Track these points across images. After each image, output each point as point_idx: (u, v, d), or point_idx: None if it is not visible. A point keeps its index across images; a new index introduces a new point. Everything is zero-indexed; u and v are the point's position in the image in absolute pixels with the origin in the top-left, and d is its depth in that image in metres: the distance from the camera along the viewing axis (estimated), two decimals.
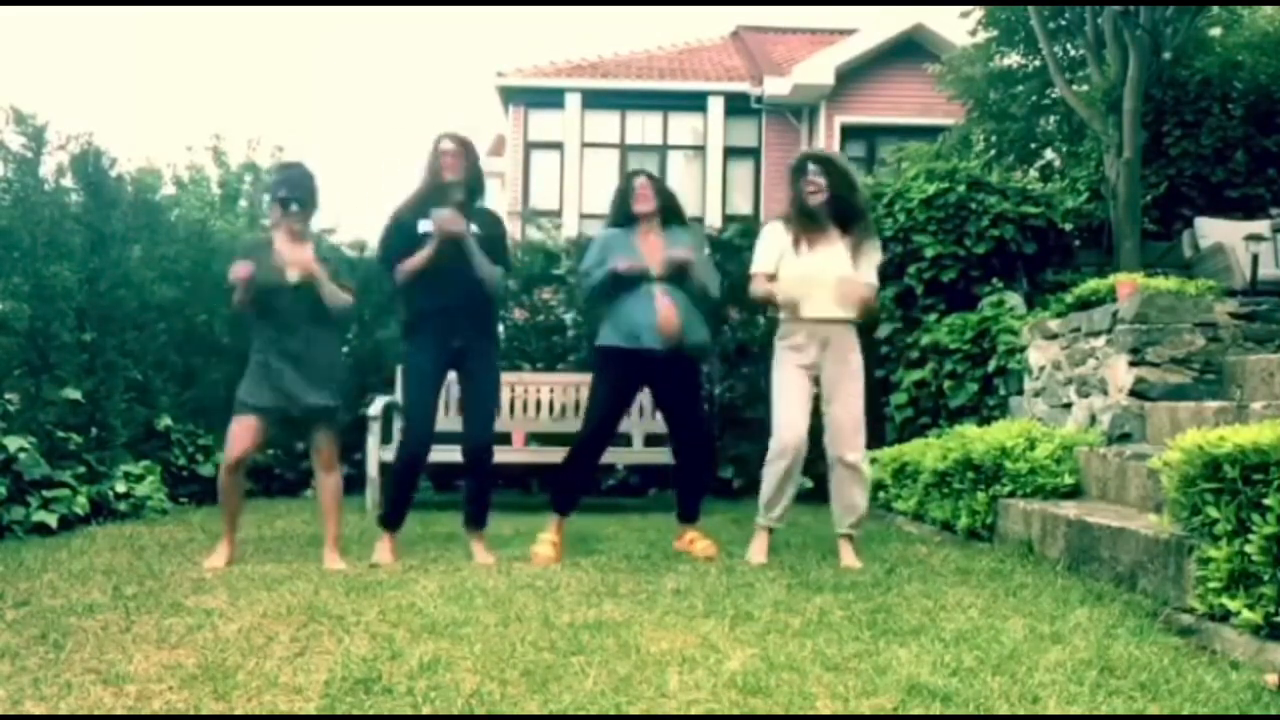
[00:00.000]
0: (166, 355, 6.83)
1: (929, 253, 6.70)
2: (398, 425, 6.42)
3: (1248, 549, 2.55)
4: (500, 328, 7.95)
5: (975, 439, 4.77)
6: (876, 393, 7.16)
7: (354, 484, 7.36)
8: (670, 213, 4.42)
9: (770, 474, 4.17)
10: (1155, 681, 2.31)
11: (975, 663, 2.45)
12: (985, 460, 4.58)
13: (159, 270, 6.81)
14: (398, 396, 6.15)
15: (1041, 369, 5.59)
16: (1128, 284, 5.25)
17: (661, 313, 4.19)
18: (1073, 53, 8.95)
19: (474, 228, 4.15)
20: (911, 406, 6.67)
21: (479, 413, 4.23)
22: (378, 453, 6.24)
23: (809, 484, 6.64)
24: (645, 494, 7.39)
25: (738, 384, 7.50)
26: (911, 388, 6.63)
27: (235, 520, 4.13)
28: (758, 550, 4.16)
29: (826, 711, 2.11)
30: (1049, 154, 9.68)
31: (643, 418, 6.65)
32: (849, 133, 13.63)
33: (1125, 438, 4.56)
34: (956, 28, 10.34)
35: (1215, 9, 8.58)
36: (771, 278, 4.21)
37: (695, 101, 13.88)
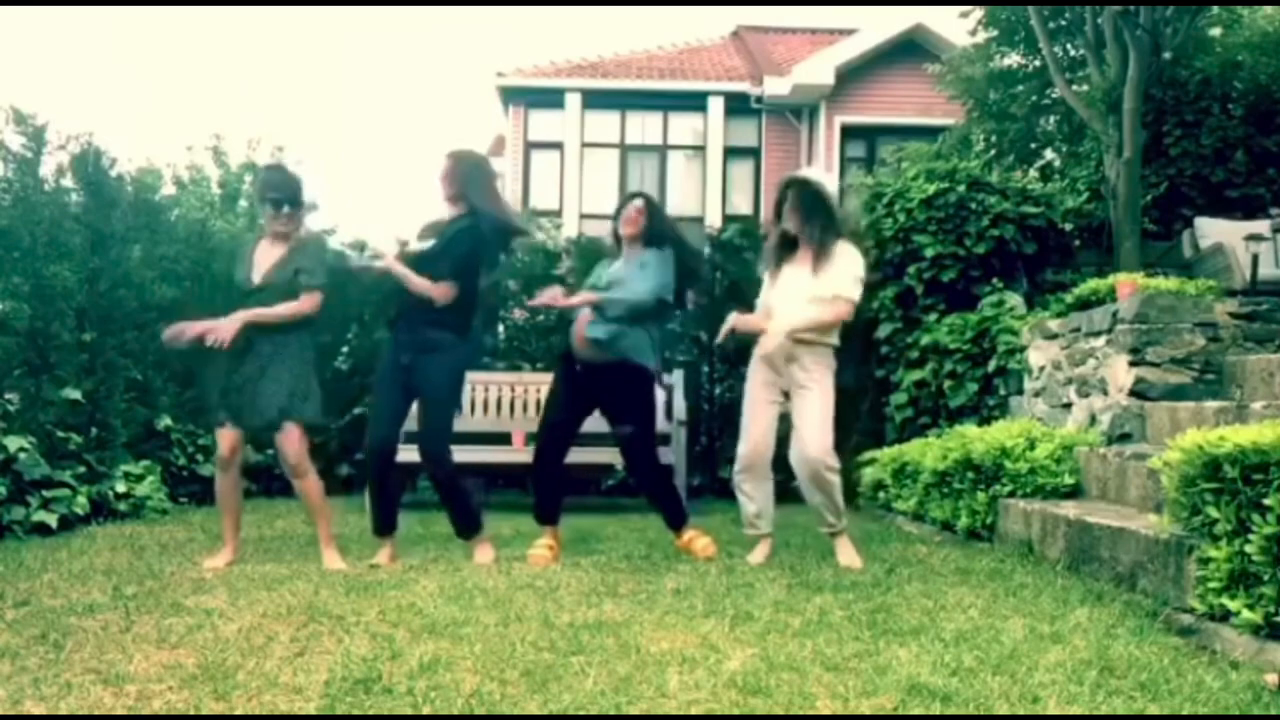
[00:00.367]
0: (166, 355, 6.82)
1: (929, 253, 6.70)
2: None
3: (1248, 549, 2.55)
4: (500, 328, 7.98)
5: (975, 439, 4.77)
6: (876, 393, 7.17)
7: (354, 484, 7.39)
8: (653, 234, 4.38)
9: (739, 489, 4.28)
10: (1155, 681, 2.31)
11: (975, 663, 2.45)
12: (985, 460, 4.58)
13: (159, 270, 6.81)
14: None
15: (1041, 369, 5.59)
16: (1128, 284, 5.25)
17: (577, 327, 4.30)
18: (1073, 53, 8.94)
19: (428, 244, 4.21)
20: (911, 406, 6.68)
21: (423, 429, 4.17)
22: None
23: None
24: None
25: (737, 384, 7.49)
26: (911, 388, 6.63)
27: (236, 520, 4.13)
28: (758, 552, 4.18)
29: (826, 711, 2.11)
30: (1049, 154, 9.67)
31: None
32: (849, 133, 13.62)
33: (1125, 438, 4.56)
34: (956, 28, 10.34)
35: (1215, 9, 8.58)
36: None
37: (695, 101, 13.88)
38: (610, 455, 6.56)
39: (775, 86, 13.37)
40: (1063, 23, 8.55)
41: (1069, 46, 8.91)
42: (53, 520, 4.84)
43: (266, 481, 7.17)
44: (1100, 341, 4.90)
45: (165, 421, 6.49)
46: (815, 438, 4.08)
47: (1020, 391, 5.91)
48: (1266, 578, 2.50)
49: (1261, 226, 7.06)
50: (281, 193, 4.10)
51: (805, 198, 4.20)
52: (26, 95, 43.13)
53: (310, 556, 4.15)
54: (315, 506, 4.11)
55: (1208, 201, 8.17)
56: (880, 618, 2.95)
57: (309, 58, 47.91)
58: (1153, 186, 8.18)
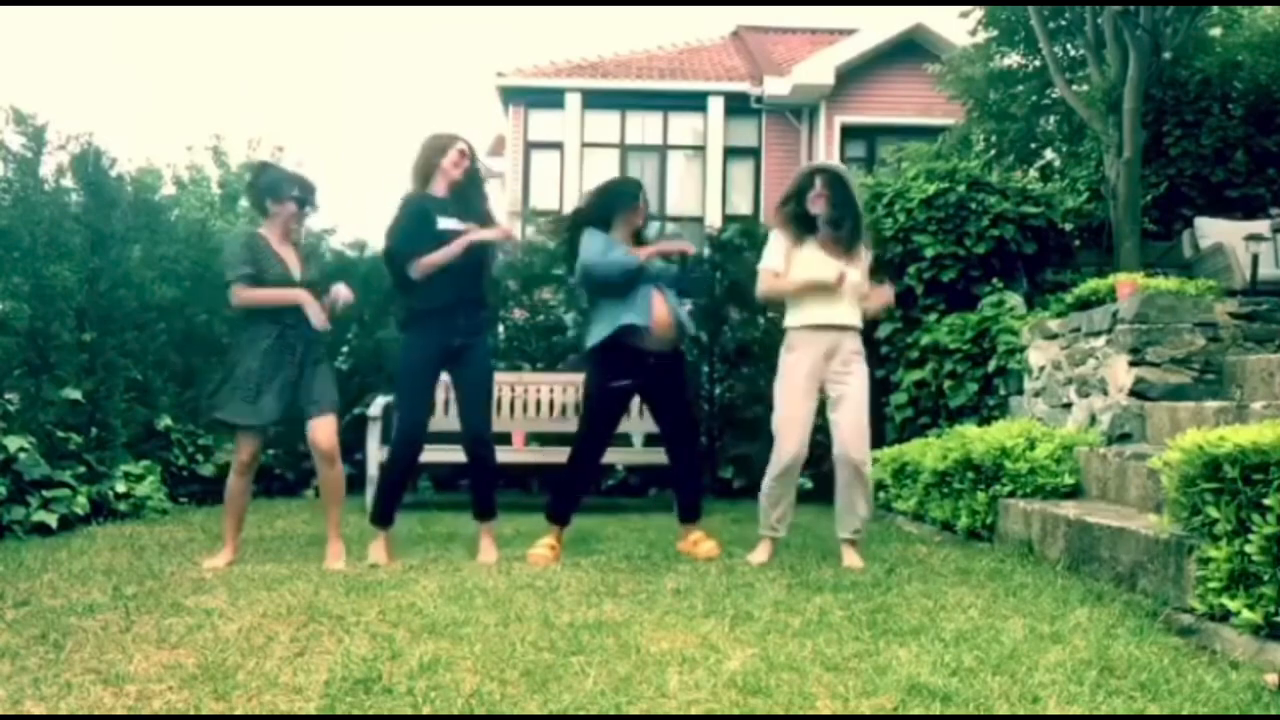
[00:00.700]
0: (166, 355, 6.83)
1: (929, 253, 6.70)
2: None
3: (1248, 549, 2.55)
4: (500, 328, 7.97)
5: (975, 439, 4.77)
6: (876, 393, 7.17)
7: (354, 484, 7.38)
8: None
9: (771, 487, 4.21)
10: (1155, 681, 2.31)
11: (975, 663, 2.45)
12: (985, 460, 4.58)
13: (159, 270, 6.82)
14: (395, 395, 6.15)
15: (1041, 369, 5.59)
16: (1128, 284, 5.25)
17: (658, 311, 4.22)
18: (1073, 53, 8.94)
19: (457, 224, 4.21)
20: (911, 406, 6.68)
21: (477, 407, 4.25)
22: (378, 453, 6.24)
23: (808, 484, 6.66)
24: (645, 494, 7.40)
25: (737, 384, 7.50)
26: (911, 388, 6.63)
27: (239, 522, 4.14)
28: (762, 553, 4.17)
29: (826, 711, 2.11)
30: (1049, 154, 9.67)
31: (643, 418, 6.63)
32: (849, 133, 13.63)
33: (1125, 438, 4.56)
34: (956, 28, 10.34)
35: (1215, 9, 8.58)
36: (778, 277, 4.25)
37: (695, 101, 13.87)
38: (611, 455, 6.59)
39: (775, 86, 13.38)
40: (1063, 23, 8.55)
41: (1069, 46, 8.91)
42: (53, 520, 4.84)
43: (267, 481, 7.17)
44: (1100, 341, 4.90)
45: (165, 421, 6.49)
46: (861, 440, 4.12)
47: (1020, 391, 5.91)
48: (1266, 578, 2.50)
49: (1261, 226, 7.06)
50: (307, 193, 4.16)
51: (839, 189, 4.20)
52: (26, 95, 43.14)
53: (310, 556, 4.15)
54: (336, 496, 4.14)
55: (1208, 201, 8.17)
56: (880, 618, 2.95)
57: (309, 58, 47.90)
58: (1153, 186, 8.18)
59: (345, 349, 7.91)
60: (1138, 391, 4.57)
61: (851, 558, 4.06)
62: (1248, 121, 8.27)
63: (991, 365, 6.16)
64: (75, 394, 5.50)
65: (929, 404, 6.58)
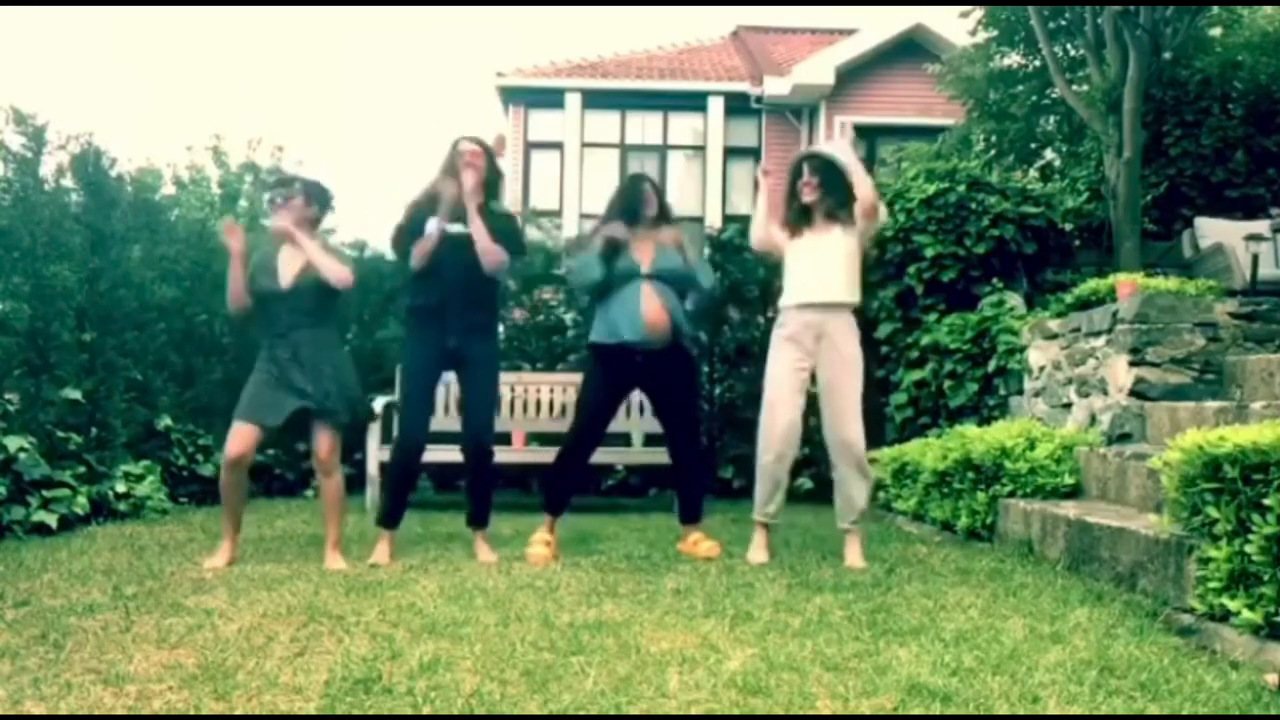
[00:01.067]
0: (166, 355, 6.83)
1: (929, 253, 6.70)
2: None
3: (1248, 549, 2.55)
4: (500, 327, 7.97)
5: (975, 439, 4.77)
6: (876, 393, 7.17)
7: (354, 484, 7.38)
8: (662, 217, 4.47)
9: (761, 468, 4.20)
10: (1155, 681, 2.31)
11: (975, 663, 2.45)
12: (985, 460, 4.58)
13: (159, 270, 6.81)
14: (398, 396, 6.15)
15: (1041, 369, 5.59)
16: (1128, 284, 5.25)
17: (648, 309, 4.20)
18: (1073, 53, 8.93)
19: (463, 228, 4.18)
20: (911, 406, 6.68)
21: (477, 412, 4.23)
22: (378, 453, 6.24)
23: (809, 484, 6.67)
24: (645, 494, 7.40)
25: (737, 384, 7.50)
26: (911, 388, 6.63)
27: (237, 520, 4.13)
28: (757, 548, 4.17)
29: (826, 711, 2.11)
30: (1049, 154, 9.67)
31: (643, 417, 6.64)
32: None
33: (1125, 438, 4.56)
34: (956, 28, 10.33)
35: (1215, 9, 8.58)
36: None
37: (695, 101, 13.87)
38: (611, 455, 6.61)
39: (775, 86, 13.37)
40: (1063, 23, 8.55)
41: (1069, 46, 8.91)
42: (53, 520, 4.84)
43: (267, 481, 7.17)
44: (1100, 341, 4.90)
45: (165, 421, 6.49)
46: (855, 425, 4.11)
47: (1020, 391, 5.91)
48: (1266, 578, 2.50)
49: (1261, 226, 7.06)
50: (328, 200, 4.26)
51: (822, 171, 4.23)
52: (26, 95, 43.13)
53: (310, 556, 4.15)
54: (333, 507, 4.11)
55: (1208, 201, 8.17)
56: (880, 618, 2.95)
57: (309, 58, 47.91)
58: (1153, 186, 8.18)
59: (345, 349, 7.90)
60: (1138, 391, 4.57)
61: (853, 555, 4.06)
62: (1248, 121, 8.27)
63: (991, 365, 6.16)
64: (75, 394, 5.50)
65: (929, 404, 6.58)
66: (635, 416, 6.64)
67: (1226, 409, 3.83)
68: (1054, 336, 5.45)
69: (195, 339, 7.19)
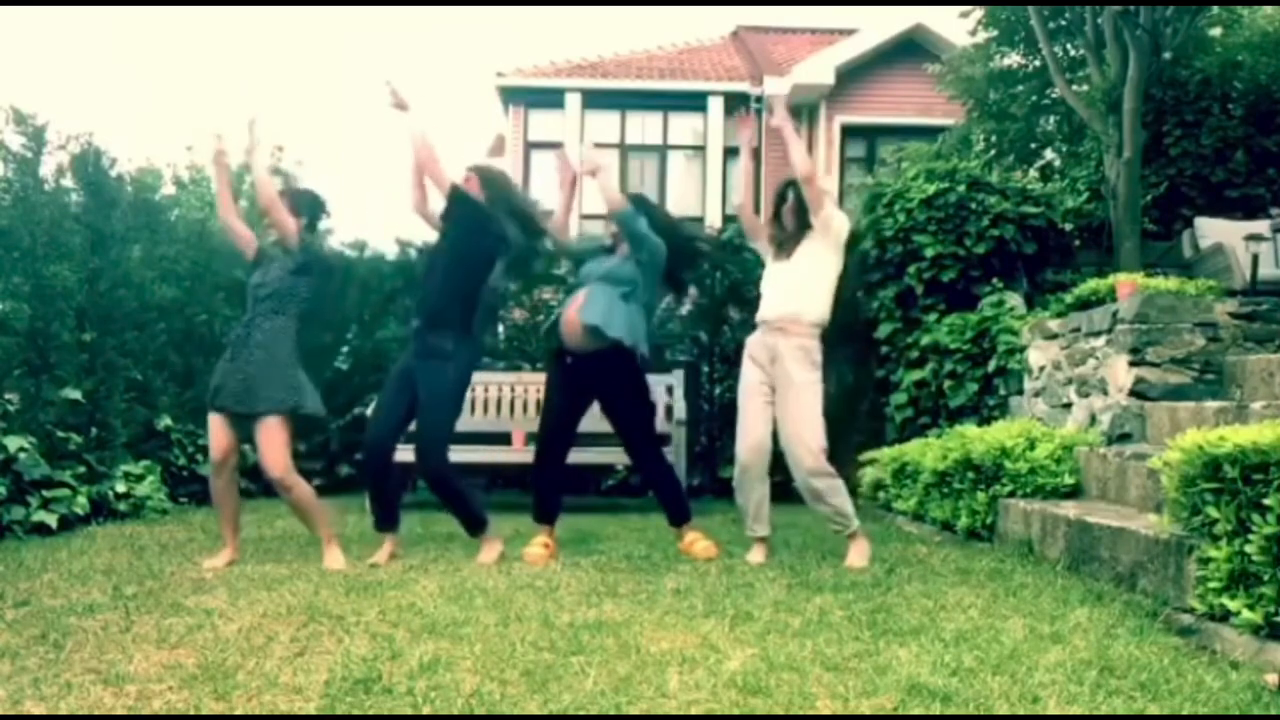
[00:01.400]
0: (166, 355, 6.83)
1: (929, 253, 6.70)
2: None
3: (1248, 549, 2.55)
4: (500, 328, 7.98)
5: (975, 439, 4.77)
6: (876, 393, 7.17)
7: (354, 484, 7.38)
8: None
9: (738, 491, 4.25)
10: (1155, 681, 2.31)
11: (975, 663, 2.45)
12: (985, 460, 4.58)
13: (159, 270, 6.81)
14: None
15: (1041, 369, 5.59)
16: (1128, 284, 5.25)
17: (568, 312, 4.22)
18: (1073, 53, 8.93)
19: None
20: (911, 406, 6.68)
21: (420, 440, 4.14)
22: None
23: None
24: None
25: (737, 384, 7.49)
26: (911, 388, 6.63)
27: (234, 521, 4.14)
28: (758, 553, 4.18)
29: (826, 711, 2.11)
30: (1049, 154, 9.67)
31: None
32: (849, 133, 13.62)
33: (1125, 438, 4.56)
34: (956, 28, 10.33)
35: (1215, 9, 8.58)
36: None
37: (695, 101, 13.87)
38: (611, 455, 6.60)
39: (775, 86, 13.36)
40: (1063, 23, 8.55)
41: (1069, 46, 8.91)
42: (53, 520, 4.84)
43: (266, 481, 7.15)
44: (1100, 341, 4.90)
45: (165, 421, 6.49)
46: (802, 450, 4.04)
47: (1020, 391, 5.91)
48: (1266, 578, 2.50)
49: (1261, 226, 7.06)
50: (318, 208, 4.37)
51: (802, 199, 4.22)
52: (26, 95, 43.12)
53: (310, 557, 4.15)
54: (306, 513, 4.11)
55: (1208, 201, 8.17)
56: (880, 618, 2.95)
57: (309, 58, 47.90)
58: (1153, 186, 8.18)
59: (345, 349, 7.91)
60: (1138, 391, 4.57)
61: (853, 556, 4.06)
62: (1248, 121, 8.27)
63: (991, 365, 6.16)
64: (75, 394, 5.50)
65: (929, 404, 6.58)
66: None
67: (1226, 409, 3.83)
68: (1054, 336, 5.45)
69: (195, 339, 7.19)
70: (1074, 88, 8.22)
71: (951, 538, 4.77)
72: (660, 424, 7.01)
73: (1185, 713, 2.13)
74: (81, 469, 5.35)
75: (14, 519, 4.72)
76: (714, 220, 12.59)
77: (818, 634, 2.75)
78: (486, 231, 4.21)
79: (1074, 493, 4.44)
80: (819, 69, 13.25)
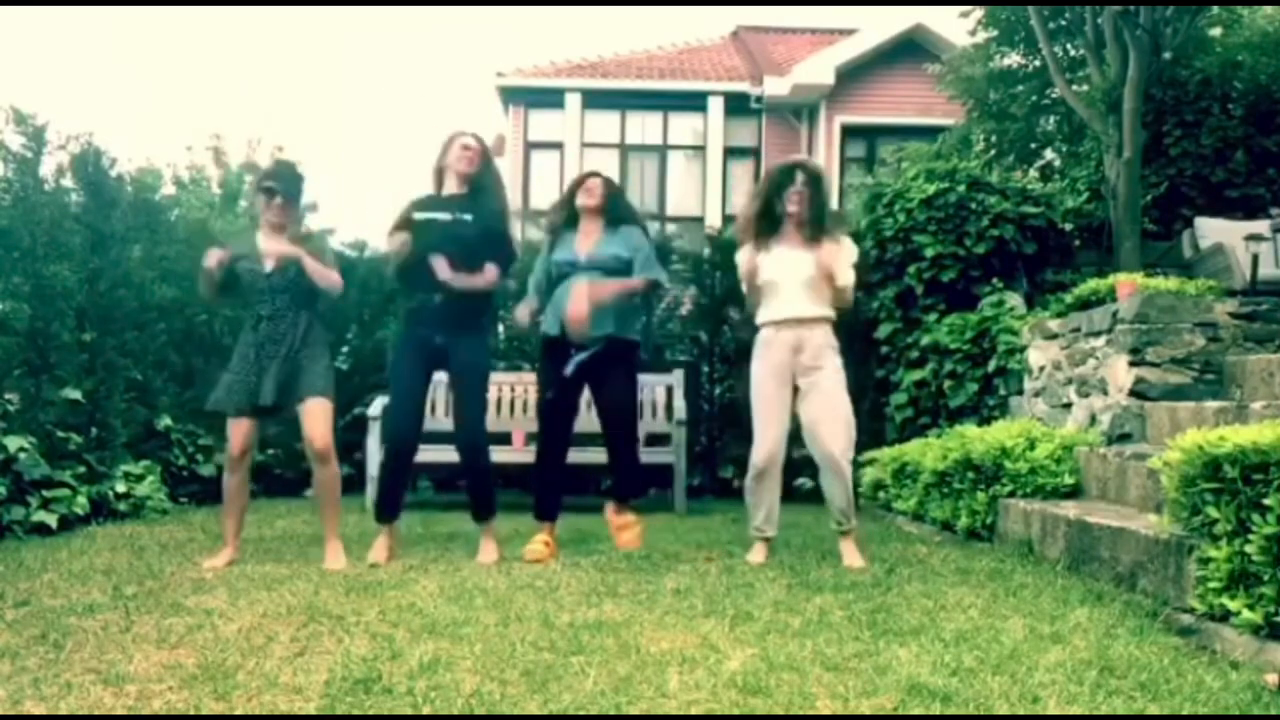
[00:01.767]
0: (166, 355, 6.83)
1: (929, 253, 6.70)
2: None
3: (1248, 549, 2.55)
4: (500, 327, 7.97)
5: (975, 439, 4.77)
6: (876, 393, 7.17)
7: (354, 484, 7.38)
8: (615, 213, 4.40)
9: (750, 489, 4.22)
10: (1155, 681, 2.31)
11: (975, 663, 2.45)
12: (985, 460, 4.58)
13: (159, 270, 6.82)
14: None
15: (1041, 369, 5.59)
16: (1128, 284, 5.25)
17: (573, 303, 4.18)
18: (1073, 53, 8.94)
19: (467, 217, 4.18)
20: (911, 406, 6.68)
21: (465, 411, 4.20)
22: (377, 452, 6.24)
23: (809, 484, 6.66)
24: (645, 494, 7.40)
25: (737, 384, 7.50)
26: (911, 388, 6.63)
27: (239, 521, 4.14)
28: (758, 553, 4.17)
29: (826, 711, 2.11)
30: (1049, 154, 9.68)
31: (641, 418, 6.64)
32: (849, 133, 13.62)
33: (1125, 438, 4.56)
34: (956, 28, 10.34)
35: (1215, 9, 8.58)
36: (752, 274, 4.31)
37: (695, 101, 13.87)
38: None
39: (775, 86, 13.37)
40: (1063, 23, 8.55)
41: (1069, 46, 8.92)
42: (53, 520, 4.84)
43: (267, 481, 7.17)
44: (1100, 341, 4.90)
45: (165, 421, 6.50)
46: (836, 431, 4.07)
47: (1020, 391, 5.91)
48: (1266, 578, 2.50)
49: (1261, 226, 7.06)
50: (277, 182, 4.14)
51: (817, 189, 4.20)
52: (26, 95, 43.11)
53: (310, 557, 4.15)
54: (331, 498, 4.11)
55: (1208, 201, 8.17)
56: (880, 618, 2.95)
57: (309, 58, 47.90)
58: (1153, 186, 8.18)
59: (345, 349, 7.91)
60: (1138, 391, 4.57)
61: (850, 556, 4.05)
62: (1248, 121, 8.27)
63: (991, 365, 6.16)
64: (75, 394, 5.50)
65: (929, 404, 6.58)
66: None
67: (1226, 409, 3.83)
68: (1054, 336, 5.45)
69: (195, 339, 7.19)
70: (1074, 88, 8.22)
71: (951, 538, 4.77)
72: (660, 424, 7.03)
73: (1185, 713, 2.13)
74: (81, 469, 5.35)
75: (14, 519, 4.72)
76: (714, 220, 12.59)
77: (818, 634, 2.75)
78: (508, 218, 4.31)
79: (1074, 493, 4.44)
80: (819, 69, 13.25)
